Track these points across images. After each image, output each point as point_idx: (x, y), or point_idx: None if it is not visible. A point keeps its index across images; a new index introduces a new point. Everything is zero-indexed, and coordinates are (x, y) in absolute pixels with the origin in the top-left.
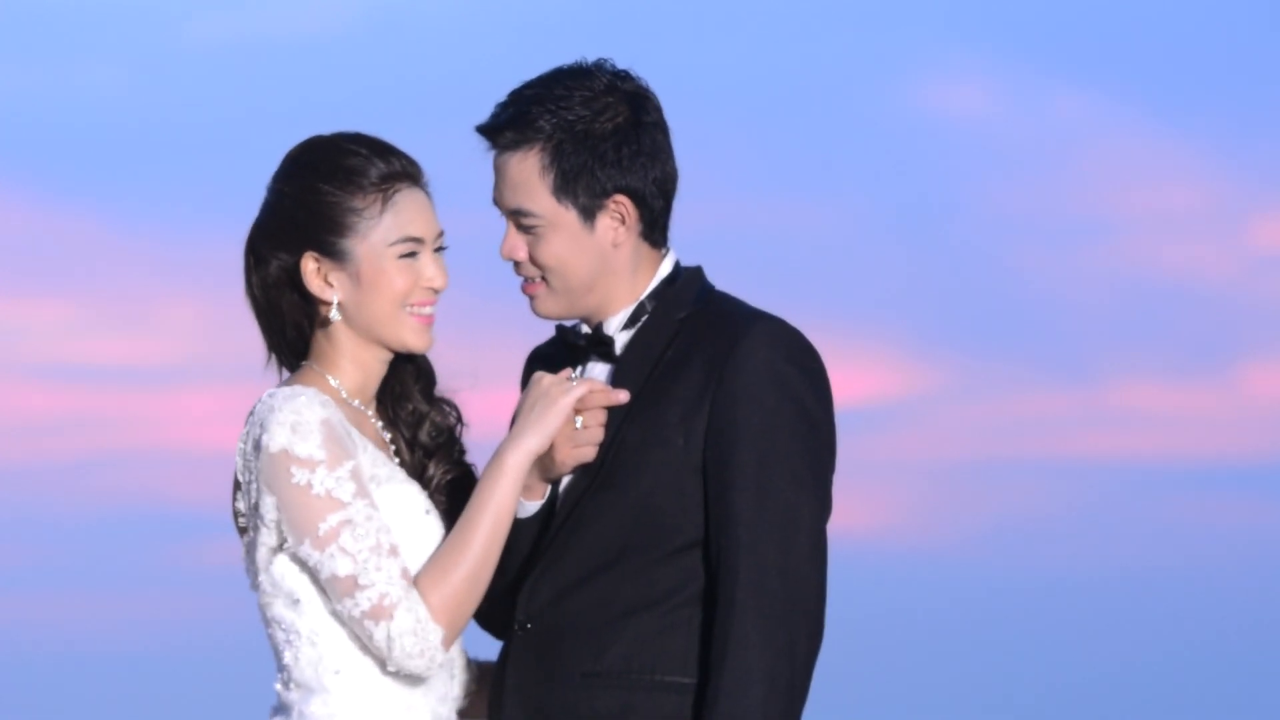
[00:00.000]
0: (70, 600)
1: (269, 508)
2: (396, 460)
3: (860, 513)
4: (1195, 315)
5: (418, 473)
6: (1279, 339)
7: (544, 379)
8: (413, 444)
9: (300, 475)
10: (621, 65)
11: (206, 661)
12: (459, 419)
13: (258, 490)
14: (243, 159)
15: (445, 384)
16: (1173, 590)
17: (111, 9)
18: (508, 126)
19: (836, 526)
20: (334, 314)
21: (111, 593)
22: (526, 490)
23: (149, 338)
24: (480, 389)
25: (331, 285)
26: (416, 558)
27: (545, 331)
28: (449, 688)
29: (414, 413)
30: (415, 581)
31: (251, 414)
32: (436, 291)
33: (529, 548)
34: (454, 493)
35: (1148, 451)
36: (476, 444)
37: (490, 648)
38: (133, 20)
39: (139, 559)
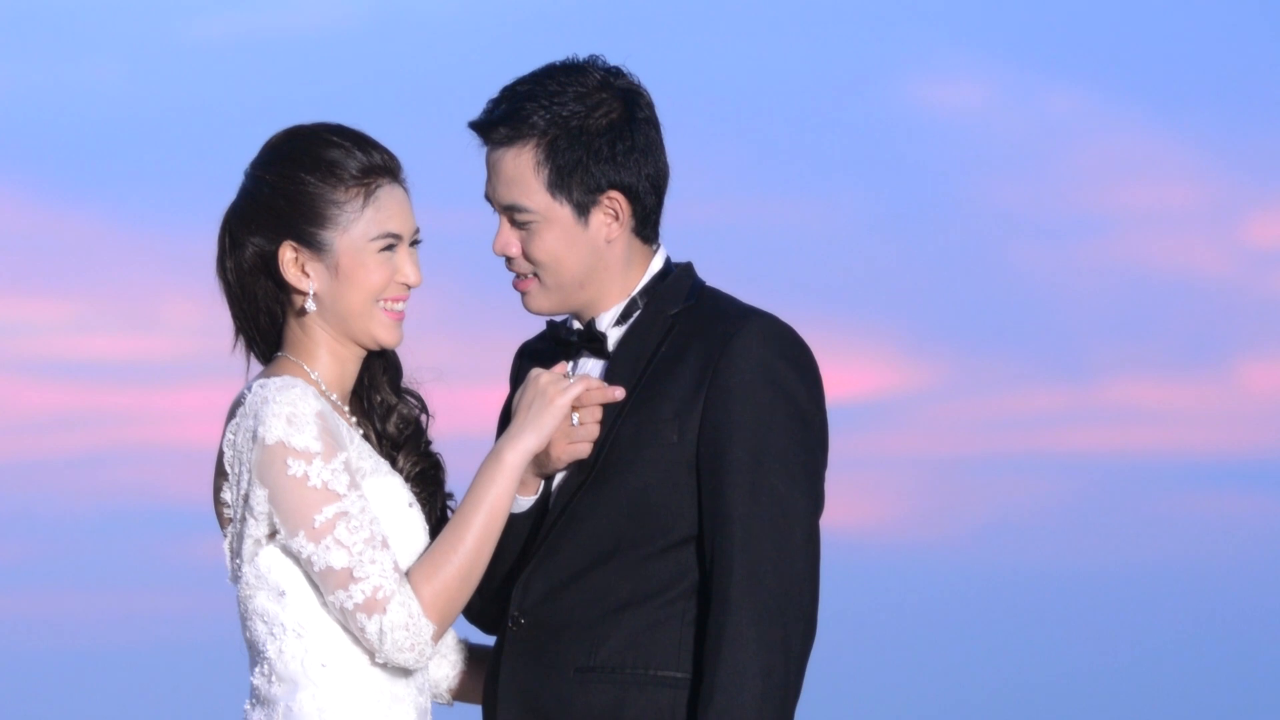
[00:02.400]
0: (73, 596)
1: (260, 499)
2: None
3: (857, 508)
4: (1191, 311)
5: (388, 465)
6: (1275, 334)
7: (541, 377)
8: (381, 436)
9: (296, 467)
10: (615, 62)
11: (208, 657)
12: (424, 409)
13: (249, 481)
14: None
15: (410, 376)
16: (1170, 585)
17: (111, 8)
18: (501, 122)
19: (834, 522)
20: (309, 304)
21: (115, 588)
22: (521, 486)
23: (151, 335)
24: (467, 384)
25: (308, 275)
26: (401, 550)
27: (535, 326)
28: (427, 677)
29: (383, 404)
30: (408, 576)
31: (240, 405)
32: (410, 288)
33: (522, 543)
34: (423, 484)
35: (1144, 447)
36: (455, 439)
37: (481, 635)
38: (133, 19)
39: (142, 554)
